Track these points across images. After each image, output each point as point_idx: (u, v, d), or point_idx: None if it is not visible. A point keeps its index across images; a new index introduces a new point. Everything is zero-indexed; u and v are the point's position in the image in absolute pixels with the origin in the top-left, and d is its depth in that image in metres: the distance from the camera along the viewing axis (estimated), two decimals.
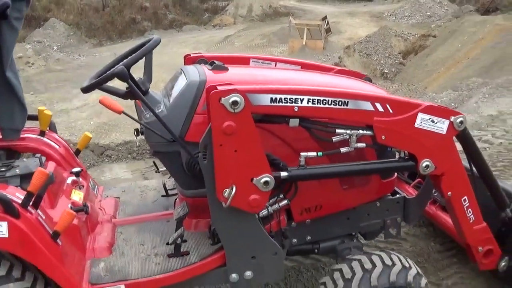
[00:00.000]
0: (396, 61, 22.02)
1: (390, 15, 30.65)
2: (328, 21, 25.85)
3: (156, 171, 3.49)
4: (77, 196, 3.17)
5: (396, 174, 3.30)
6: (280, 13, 33.67)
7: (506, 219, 3.34)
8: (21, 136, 3.35)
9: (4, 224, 2.43)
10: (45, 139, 3.50)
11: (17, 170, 2.97)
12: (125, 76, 2.64)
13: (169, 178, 3.75)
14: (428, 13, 29.74)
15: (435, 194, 3.75)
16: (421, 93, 13.80)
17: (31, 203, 2.54)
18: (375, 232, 3.35)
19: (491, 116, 7.40)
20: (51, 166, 3.22)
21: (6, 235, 2.42)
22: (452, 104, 9.35)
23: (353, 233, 3.30)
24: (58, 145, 3.54)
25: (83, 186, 3.35)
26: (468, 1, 30.88)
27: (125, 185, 4.06)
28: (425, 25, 27.04)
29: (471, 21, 20.77)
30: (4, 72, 3.05)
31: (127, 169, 6.33)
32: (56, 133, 3.71)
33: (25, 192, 2.55)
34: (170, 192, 3.55)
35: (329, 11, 30.92)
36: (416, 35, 24.42)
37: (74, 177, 3.35)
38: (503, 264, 3.30)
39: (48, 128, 3.61)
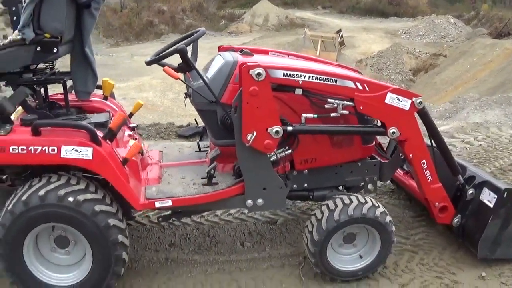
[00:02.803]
0: (407, 77, 22.54)
1: (405, 33, 31.04)
2: (342, 35, 26.36)
3: (196, 127, 4.48)
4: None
5: (374, 142, 4.21)
6: (295, 24, 34.05)
7: (459, 185, 4.18)
8: (90, 98, 4.18)
9: (90, 149, 3.26)
10: (107, 102, 4.34)
11: (91, 119, 3.81)
12: (185, 52, 3.62)
13: (201, 139, 4.74)
14: (442, 34, 30.04)
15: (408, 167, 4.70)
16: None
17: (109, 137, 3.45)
18: (357, 187, 4.20)
19: (476, 123, 7.99)
20: None
21: (91, 158, 3.27)
22: (446, 114, 10.20)
23: (339, 187, 4.19)
24: (117, 107, 4.36)
25: (136, 139, 4.26)
26: (482, 24, 31.43)
27: (165, 143, 5.10)
28: (438, 44, 27.25)
29: (481, 44, 21.05)
30: (84, 48, 3.90)
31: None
32: (115, 99, 4.53)
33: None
34: (202, 149, 4.48)
35: (345, 26, 31.27)
36: (427, 54, 24.79)
37: (130, 132, 4.27)
38: (456, 220, 4.12)
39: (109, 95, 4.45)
